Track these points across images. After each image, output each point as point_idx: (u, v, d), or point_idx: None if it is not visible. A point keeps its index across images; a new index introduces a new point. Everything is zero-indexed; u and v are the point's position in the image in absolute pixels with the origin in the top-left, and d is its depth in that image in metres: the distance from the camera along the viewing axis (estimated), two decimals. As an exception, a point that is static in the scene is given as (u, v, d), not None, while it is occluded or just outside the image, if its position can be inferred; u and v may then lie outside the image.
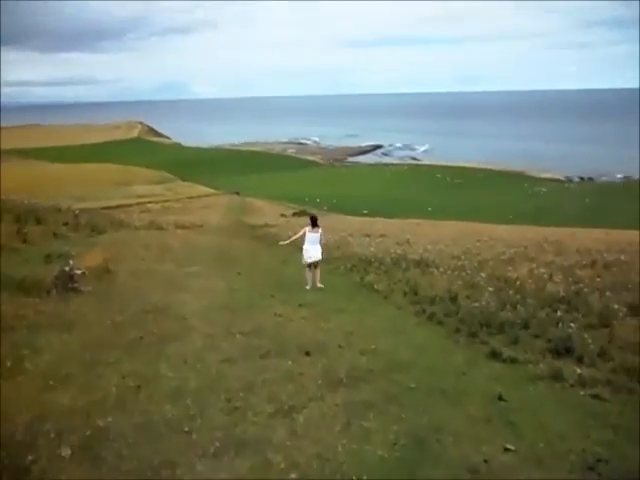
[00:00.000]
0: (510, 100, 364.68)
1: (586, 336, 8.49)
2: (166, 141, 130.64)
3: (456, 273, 15.98)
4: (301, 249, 12.83)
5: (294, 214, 50.77)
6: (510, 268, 17.03)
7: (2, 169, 63.71)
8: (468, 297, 12.40)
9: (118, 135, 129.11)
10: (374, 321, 9.42)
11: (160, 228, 28.61)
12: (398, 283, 14.14)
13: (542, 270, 16.78)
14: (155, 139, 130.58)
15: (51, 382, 4.91)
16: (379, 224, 41.24)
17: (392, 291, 13.01)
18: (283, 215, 50.75)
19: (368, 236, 31.59)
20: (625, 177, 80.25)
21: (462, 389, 6.23)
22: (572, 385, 6.73)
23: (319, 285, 12.69)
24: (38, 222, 18.76)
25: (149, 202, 58.90)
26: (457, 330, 9.29)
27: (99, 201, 53.90)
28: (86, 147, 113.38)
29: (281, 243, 15.56)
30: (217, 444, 4.04)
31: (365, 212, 57.11)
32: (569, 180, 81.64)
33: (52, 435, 3.87)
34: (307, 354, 6.78)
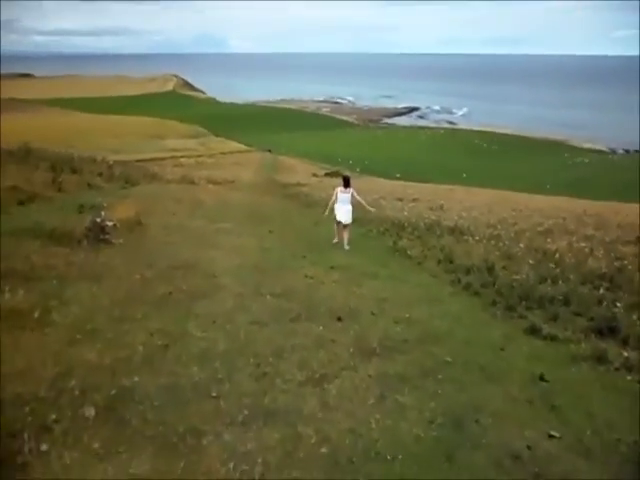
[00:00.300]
0: (552, 64, 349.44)
1: (634, 317, 8.02)
2: (201, 95, 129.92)
3: (492, 242, 15.47)
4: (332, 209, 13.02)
5: (326, 174, 50.22)
6: (549, 240, 16.41)
7: (37, 119, 64.51)
8: (505, 268, 11.96)
9: (153, 88, 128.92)
10: (408, 288, 9.10)
11: (192, 182, 28.57)
12: (432, 250, 13.73)
13: (582, 244, 16.11)
14: (190, 93, 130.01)
15: (78, 336, 4.76)
16: (412, 188, 40.47)
17: (426, 258, 12.63)
18: (315, 175, 50.27)
19: (400, 200, 31.04)
20: (672, 151, 76.65)
21: (501, 366, 5.90)
22: (617, 369, 6.33)
23: (346, 247, 12.70)
24: (73, 172, 18.82)
25: (182, 156, 59.01)
26: (494, 302, 8.91)
27: (133, 153, 54.22)
28: (122, 99, 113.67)
29: (326, 213, 14.24)
30: (245, 412, 3.83)
31: (398, 175, 56.16)
32: (613, 152, 78.45)
33: (76, 393, 3.71)
34: (339, 320, 6.53)
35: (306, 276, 8.61)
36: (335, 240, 13.03)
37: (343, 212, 12.76)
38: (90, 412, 3.44)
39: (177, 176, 29.03)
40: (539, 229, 19.76)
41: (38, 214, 9.93)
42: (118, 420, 3.52)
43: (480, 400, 4.82)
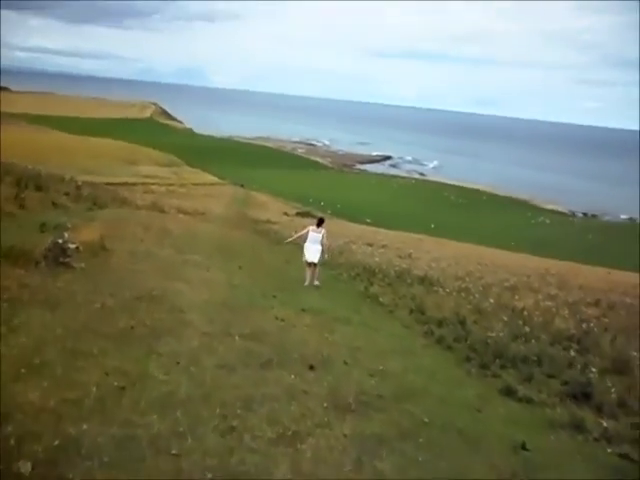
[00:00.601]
0: (523, 127, 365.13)
1: (608, 383, 7.83)
2: (178, 125, 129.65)
3: (462, 295, 15.39)
4: (303, 248, 13.18)
5: (297, 214, 50.16)
6: (516, 297, 16.44)
7: (9, 132, 62.92)
8: (476, 322, 11.79)
9: (132, 113, 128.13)
10: (380, 338, 8.75)
11: (162, 211, 27.90)
12: (403, 298, 13.52)
13: (548, 303, 16.21)
14: (167, 122, 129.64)
15: (23, 370, 4.19)
16: (381, 234, 40.68)
17: (397, 306, 12.38)
18: (286, 214, 50.13)
19: (370, 245, 31.07)
20: (629, 218, 79.83)
21: (479, 429, 5.55)
22: (597, 439, 6.06)
23: (316, 283, 12.97)
24: (38, 189, 18.05)
25: (154, 183, 58.11)
26: (468, 358, 8.62)
27: (104, 176, 53.05)
28: (97, 121, 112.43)
29: (287, 241, 15.06)
30: (209, 475, 3.34)
31: (368, 221, 56.54)
32: (572, 214, 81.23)
33: (12, 442, 3.16)
34: (311, 368, 6.10)
35: (277, 318, 8.17)
36: (306, 282, 12.96)
37: (312, 251, 12.89)
38: (26, 467, 2.90)
39: (147, 202, 28.34)
40: (505, 284, 19.89)
41: (-5, 230, 9.27)
42: (59, 478, 2.99)
43: (462, 469, 4.44)
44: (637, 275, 28.50)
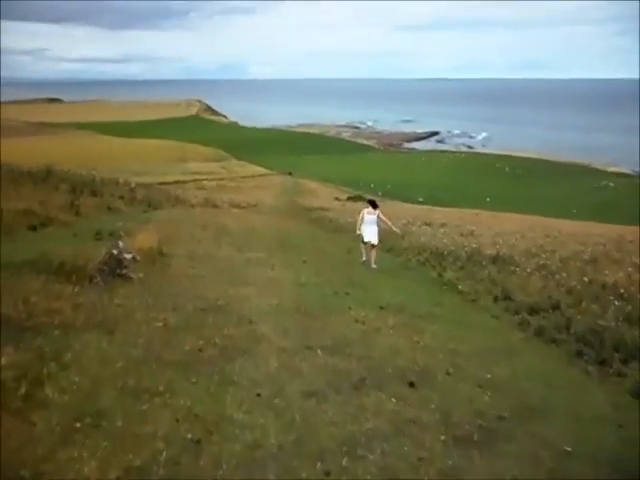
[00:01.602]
0: (572, 89, 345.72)
1: None
2: (223, 120, 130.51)
3: (544, 274, 13.86)
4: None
5: (349, 198, 49.04)
6: (606, 272, 14.74)
7: (62, 141, 64.63)
8: (571, 306, 10.39)
9: (177, 112, 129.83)
10: (473, 335, 7.59)
11: (215, 206, 27.48)
12: (482, 283, 12.22)
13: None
14: (212, 117, 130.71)
15: (77, 424, 3.37)
16: (437, 213, 38.95)
17: (478, 293, 11.12)
18: (337, 199, 49.08)
19: (429, 225, 29.54)
20: (698, 175, 74.12)
21: (635, 457, 4.36)
22: None
23: (373, 266, 12.85)
24: (93, 194, 17.75)
25: (204, 179, 58.33)
26: (579, 354, 7.35)
27: (156, 176, 53.62)
28: (145, 123, 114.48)
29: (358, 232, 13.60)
30: None
31: (420, 200, 54.78)
32: (637, 175, 76.17)
33: None
34: (411, 385, 5.06)
35: (356, 320, 7.17)
36: (363, 259, 13.30)
37: (370, 232, 12.98)
38: None
39: (200, 199, 27.94)
40: (584, 257, 18.07)
41: (48, 242, 8.68)
42: None
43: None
44: None
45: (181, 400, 3.93)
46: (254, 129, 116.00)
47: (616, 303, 10.77)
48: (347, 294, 9.02)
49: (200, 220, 16.29)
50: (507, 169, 77.41)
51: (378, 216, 13.22)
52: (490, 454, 3.94)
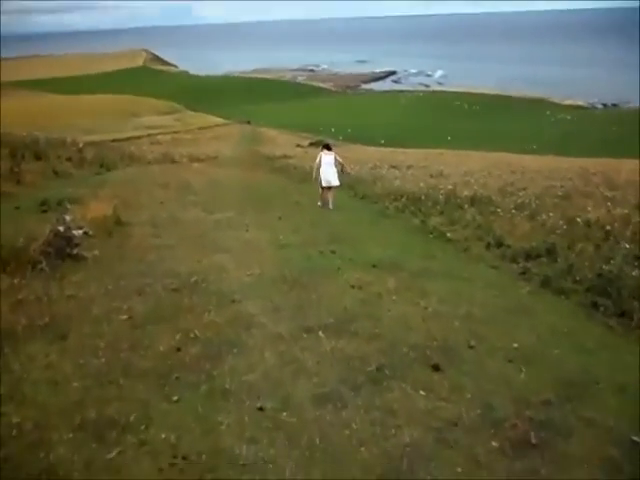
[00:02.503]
0: (526, 21, 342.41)
1: None
2: (172, 69, 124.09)
3: (525, 214, 13.16)
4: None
5: (310, 144, 47.53)
6: (588, 208, 14.18)
7: (4, 101, 59.94)
8: (565, 249, 9.76)
9: (122, 64, 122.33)
10: (479, 292, 6.77)
11: (174, 161, 25.78)
12: (467, 228, 11.46)
13: (620, 210, 13.98)
14: (161, 67, 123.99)
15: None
16: (401, 154, 38.10)
17: (468, 240, 10.36)
18: (299, 145, 47.51)
19: (395, 167, 28.64)
20: (651, 102, 74.97)
21: None
22: None
23: (330, 207, 13.09)
24: (38, 158, 15.95)
25: (159, 133, 55.43)
26: (595, 305, 6.67)
27: (107, 133, 50.54)
28: (90, 77, 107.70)
29: (315, 179, 13.66)
30: None
31: (382, 142, 53.73)
32: (592, 106, 76.68)
33: None
34: (436, 369, 4.22)
35: (352, 286, 6.23)
36: (319, 203, 13.35)
37: (330, 174, 13.00)
38: None
39: (157, 155, 26.13)
40: (558, 193, 17.52)
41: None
42: None
43: None
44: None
45: (162, 433, 2.93)
46: (207, 77, 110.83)
47: (607, 242, 10.23)
48: (333, 252, 8.06)
49: (159, 178, 14.87)
50: (466, 106, 76.72)
51: (335, 157, 13.33)
52: (554, 460, 3.14)
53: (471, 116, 72.13)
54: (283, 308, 5.22)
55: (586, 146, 46.71)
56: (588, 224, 11.93)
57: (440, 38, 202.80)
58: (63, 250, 5.70)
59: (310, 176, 21.83)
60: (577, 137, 54.24)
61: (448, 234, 10.56)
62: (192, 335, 4.31)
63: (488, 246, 9.82)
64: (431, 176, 23.83)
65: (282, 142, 51.64)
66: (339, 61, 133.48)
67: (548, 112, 70.98)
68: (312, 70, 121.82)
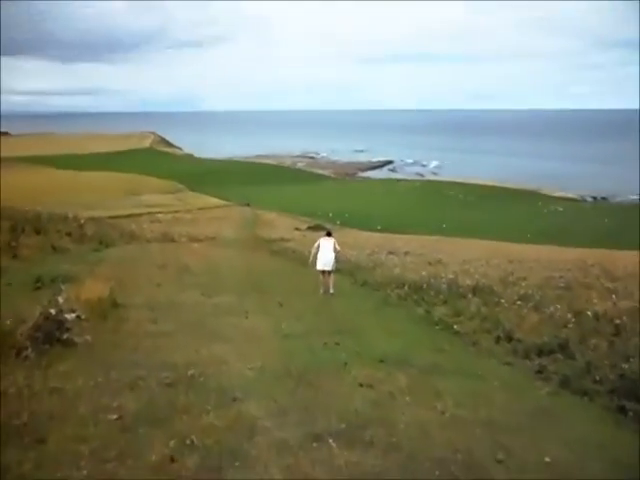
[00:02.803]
0: (521, 119, 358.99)
1: None
2: (178, 152, 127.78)
3: (530, 305, 12.83)
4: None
5: (309, 228, 47.96)
6: (594, 300, 13.87)
7: (9, 175, 61.04)
8: (581, 343, 9.34)
9: (130, 145, 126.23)
10: (497, 393, 6.27)
11: (173, 240, 25.69)
12: (474, 320, 11.05)
13: (625, 302, 13.67)
14: (167, 149, 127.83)
15: None
16: (398, 240, 38.22)
17: (476, 333, 9.92)
18: (297, 229, 47.86)
19: (393, 253, 28.63)
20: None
21: None
22: None
23: (331, 291, 13.03)
24: (37, 232, 15.75)
25: (159, 212, 55.94)
26: (621, 409, 6.17)
27: (108, 210, 50.96)
28: (97, 156, 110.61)
29: (311, 263, 13.65)
30: None
31: (379, 227, 54.23)
32: (583, 199, 78.72)
33: None
34: (465, 491, 3.69)
35: (361, 385, 5.74)
36: (321, 290, 13.12)
37: (328, 259, 13.08)
38: None
39: (156, 234, 26.04)
40: (560, 284, 17.31)
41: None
42: None
43: None
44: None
45: None
46: (210, 160, 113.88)
47: (620, 337, 9.86)
48: (337, 344, 7.60)
49: (158, 258, 14.61)
50: (460, 196, 78.44)
51: (334, 244, 13.43)
52: None
53: (466, 205, 73.53)
54: (289, 410, 4.72)
55: (579, 237, 47.23)
56: (597, 317, 11.58)
57: (437, 131, 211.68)
58: (52, 335, 5.26)
59: (307, 260, 21.79)
60: (569, 227, 55.09)
61: (455, 326, 10.13)
62: (188, 442, 3.79)
63: (498, 340, 9.38)
64: (430, 264, 23.69)
65: (281, 225, 52.08)
66: (339, 149, 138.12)
67: (540, 203, 72.58)
68: (312, 157, 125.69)
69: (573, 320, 11.18)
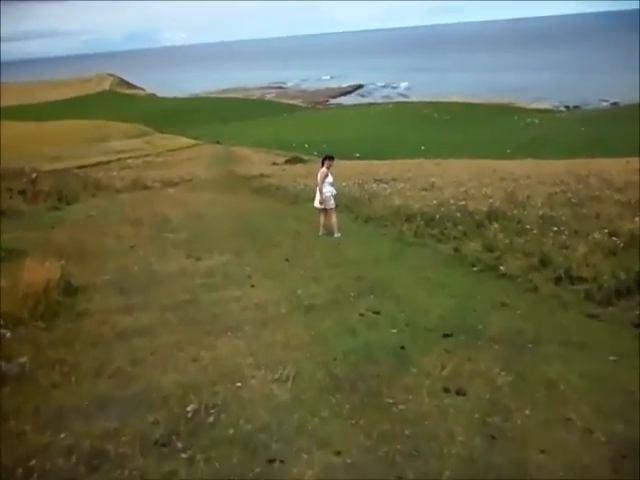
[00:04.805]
0: (488, 30, 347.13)
1: None
2: (140, 93, 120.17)
3: (561, 230, 10.91)
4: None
5: (287, 161, 45.19)
6: (619, 217, 11.96)
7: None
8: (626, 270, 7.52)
9: (88, 89, 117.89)
10: (624, 373, 4.40)
11: (146, 187, 23.04)
12: (513, 254, 9.11)
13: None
14: (128, 91, 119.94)
15: None
16: (381, 167, 35.97)
17: (526, 273, 7.99)
18: (275, 163, 45.03)
19: (381, 181, 26.40)
20: (613, 103, 75.50)
21: None
22: None
23: (337, 234, 10.80)
24: (-18, 193, 13.14)
25: (129, 157, 52.18)
26: None
27: (74, 160, 47.11)
28: (55, 103, 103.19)
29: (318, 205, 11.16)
30: None
31: (358, 155, 51.75)
32: (557, 110, 76.74)
33: None
34: None
35: (447, 390, 3.77)
36: (321, 232, 11.01)
37: (332, 194, 10.93)
38: None
39: (127, 181, 23.25)
40: (573, 200, 15.38)
41: None
42: None
43: None
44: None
45: None
46: (175, 99, 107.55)
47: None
48: (377, 314, 5.60)
49: (130, 211, 12.22)
50: (435, 115, 75.79)
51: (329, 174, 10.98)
52: None
53: (442, 125, 71.12)
54: (357, 462, 2.71)
55: (560, 148, 45.81)
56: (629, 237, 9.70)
57: (404, 51, 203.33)
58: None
59: (298, 198, 19.48)
60: (549, 140, 53.52)
61: (501, 267, 8.17)
62: None
63: (558, 281, 7.49)
64: (424, 189, 21.61)
65: (257, 161, 49.10)
66: (308, 77, 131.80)
67: (516, 117, 70.54)
68: (280, 87, 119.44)
69: (622, 245, 9.32)
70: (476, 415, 3.40)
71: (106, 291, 5.61)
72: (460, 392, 3.72)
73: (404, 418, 3.34)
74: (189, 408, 3.30)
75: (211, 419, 3.20)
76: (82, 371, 3.73)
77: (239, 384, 3.71)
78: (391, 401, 3.56)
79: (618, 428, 3.31)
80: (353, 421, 3.29)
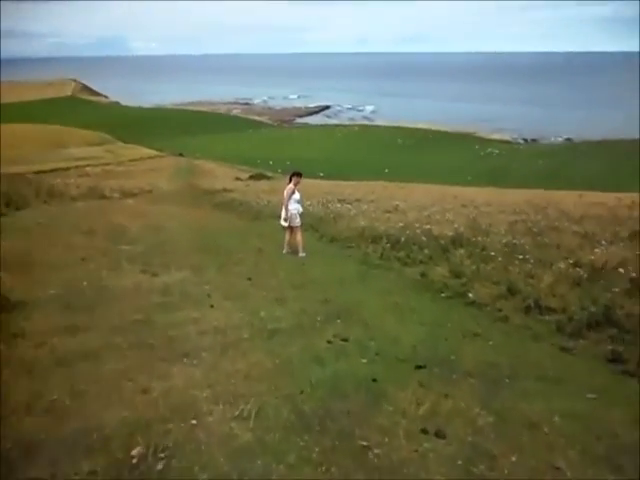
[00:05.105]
0: (455, 61, 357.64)
1: None
2: (103, 100, 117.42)
3: (525, 258, 10.89)
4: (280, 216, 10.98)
5: (251, 177, 44.67)
6: (596, 250, 12.12)
7: None
8: (622, 307, 7.49)
9: (50, 93, 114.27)
10: (603, 411, 4.19)
11: (103, 196, 22.10)
12: (483, 282, 8.94)
13: (614, 248, 12.08)
14: (91, 98, 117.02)
15: None
16: (345, 187, 36.01)
17: (495, 302, 7.83)
18: (238, 179, 44.45)
19: (345, 202, 26.32)
20: (567, 139, 78.73)
21: None
22: None
23: (301, 254, 10.51)
24: None
25: (88, 165, 50.45)
26: None
27: (31, 165, 45.13)
28: (14, 106, 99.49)
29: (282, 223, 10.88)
30: None
31: (321, 174, 51.76)
32: (516, 142, 79.41)
33: None
34: None
35: (425, 431, 3.44)
36: (285, 250, 10.78)
37: (298, 211, 10.79)
38: None
39: (83, 190, 22.27)
40: (533, 229, 15.58)
41: None
42: None
43: None
44: (609, 194, 25.64)
45: None
46: (138, 109, 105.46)
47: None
48: (345, 341, 5.25)
49: (84, 220, 11.51)
50: (399, 140, 77.05)
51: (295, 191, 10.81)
52: None
53: (405, 149, 72.33)
54: None
55: (518, 178, 47.08)
56: (592, 268, 9.74)
57: (373, 75, 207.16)
58: None
59: (261, 214, 19.05)
60: (508, 170, 55.11)
61: (470, 294, 7.98)
62: None
63: (527, 311, 7.34)
64: (388, 211, 21.60)
65: (221, 175, 48.40)
66: (275, 95, 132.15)
67: (477, 146, 72.47)
68: (247, 104, 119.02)
69: (585, 276, 9.33)
70: (459, 462, 3.07)
71: (48, 308, 5.03)
72: (439, 434, 3.38)
73: (380, 465, 2.98)
74: (134, 452, 2.83)
75: (160, 466, 2.74)
76: (10, 405, 3.20)
77: (194, 421, 3.26)
78: (365, 444, 3.19)
79: (610, 478, 3.04)
80: (324, 468, 2.90)
